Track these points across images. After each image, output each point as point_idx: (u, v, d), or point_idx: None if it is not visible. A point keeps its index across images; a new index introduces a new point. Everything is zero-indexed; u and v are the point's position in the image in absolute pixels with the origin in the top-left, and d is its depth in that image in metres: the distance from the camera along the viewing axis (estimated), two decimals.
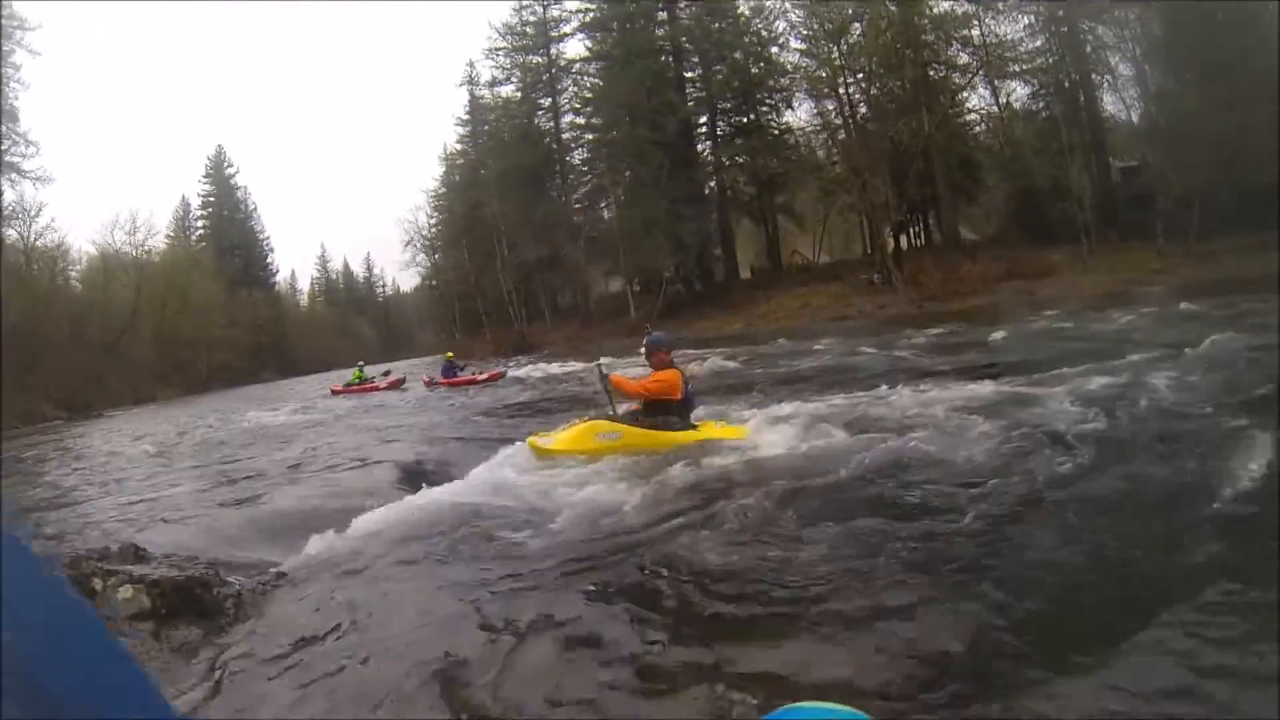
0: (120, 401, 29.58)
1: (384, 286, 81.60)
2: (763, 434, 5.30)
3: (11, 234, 28.25)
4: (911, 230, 25.85)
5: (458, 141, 41.40)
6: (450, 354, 19.76)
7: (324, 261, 77.96)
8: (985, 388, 5.95)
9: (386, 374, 21.03)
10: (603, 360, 5.88)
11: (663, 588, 2.71)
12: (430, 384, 17.73)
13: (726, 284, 29.37)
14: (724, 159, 30.51)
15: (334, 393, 20.12)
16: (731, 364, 12.72)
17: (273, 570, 3.57)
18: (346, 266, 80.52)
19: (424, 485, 4.75)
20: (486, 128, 37.61)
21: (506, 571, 3.06)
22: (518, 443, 5.44)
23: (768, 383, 9.37)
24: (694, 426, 5.27)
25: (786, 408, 6.28)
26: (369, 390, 19.05)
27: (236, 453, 10.07)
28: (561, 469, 4.74)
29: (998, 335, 10.89)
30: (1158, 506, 2.94)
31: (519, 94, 35.51)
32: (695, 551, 2.99)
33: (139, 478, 8.68)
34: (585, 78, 33.00)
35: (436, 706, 2.10)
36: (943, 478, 3.60)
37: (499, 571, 3.07)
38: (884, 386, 6.52)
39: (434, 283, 42.40)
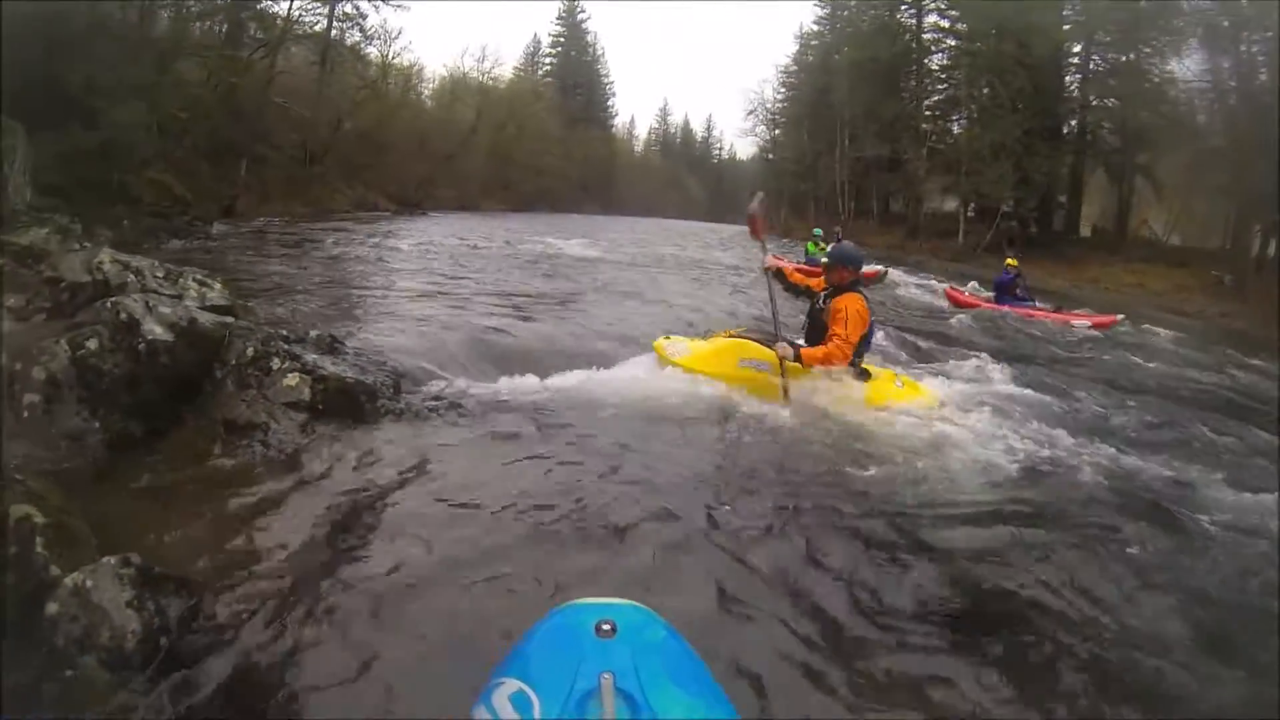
0: (446, 206, 34.59)
1: (720, 149, 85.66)
2: (953, 412, 4.30)
3: (373, 51, 33.58)
4: None
5: (814, 22, 41.96)
6: (1013, 260, 11.99)
7: (665, 115, 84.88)
8: None
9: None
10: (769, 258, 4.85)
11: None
12: (961, 302, 11.69)
13: (1064, 235, 29.13)
14: (1091, 98, 29.02)
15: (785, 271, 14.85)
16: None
17: (446, 398, 3.58)
18: (686, 123, 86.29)
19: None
20: (846, 13, 38.04)
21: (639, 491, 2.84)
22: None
23: (1036, 356, 7.85)
24: (865, 372, 4.44)
25: (1016, 391, 5.25)
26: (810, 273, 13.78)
27: (513, 274, 9.97)
28: (690, 385, 4.10)
29: None
30: None
31: None
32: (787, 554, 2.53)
33: (405, 273, 8.97)
34: None
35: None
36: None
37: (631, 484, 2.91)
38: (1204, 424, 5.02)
39: (770, 156, 45.36)
